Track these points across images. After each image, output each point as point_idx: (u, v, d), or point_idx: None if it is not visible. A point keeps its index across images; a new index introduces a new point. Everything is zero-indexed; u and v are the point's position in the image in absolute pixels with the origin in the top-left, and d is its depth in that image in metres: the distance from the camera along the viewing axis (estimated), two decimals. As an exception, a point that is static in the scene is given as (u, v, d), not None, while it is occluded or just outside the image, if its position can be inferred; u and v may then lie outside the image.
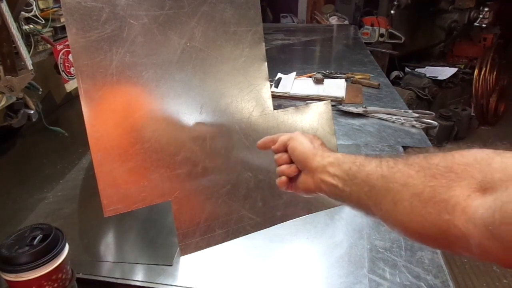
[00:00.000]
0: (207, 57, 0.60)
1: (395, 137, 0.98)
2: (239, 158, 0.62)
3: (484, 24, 3.20)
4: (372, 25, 2.85)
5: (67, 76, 1.10)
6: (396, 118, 1.07)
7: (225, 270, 0.57)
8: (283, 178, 0.51)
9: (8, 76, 0.78)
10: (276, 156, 0.53)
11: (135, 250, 0.62)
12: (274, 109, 0.64)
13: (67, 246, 0.47)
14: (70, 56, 1.07)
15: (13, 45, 0.79)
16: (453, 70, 2.91)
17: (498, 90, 3.01)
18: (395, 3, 2.85)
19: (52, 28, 1.06)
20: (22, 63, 0.81)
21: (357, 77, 1.42)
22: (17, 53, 0.80)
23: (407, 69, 2.99)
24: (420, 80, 2.77)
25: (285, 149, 0.52)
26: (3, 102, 0.81)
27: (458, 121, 2.73)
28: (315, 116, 0.67)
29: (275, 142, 0.53)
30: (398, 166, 0.38)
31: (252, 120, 0.63)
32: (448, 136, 2.73)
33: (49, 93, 1.13)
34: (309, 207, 0.67)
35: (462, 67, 3.09)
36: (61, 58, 1.07)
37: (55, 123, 1.01)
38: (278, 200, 0.65)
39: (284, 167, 0.51)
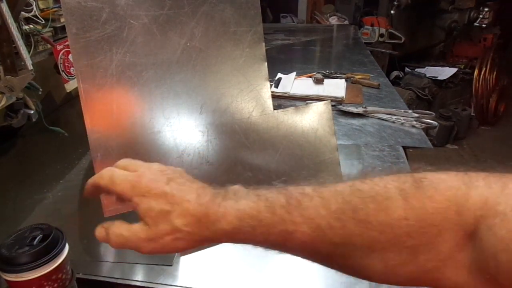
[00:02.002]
0: (207, 57, 0.60)
1: (395, 137, 0.98)
2: (239, 158, 0.62)
3: (484, 24, 3.20)
4: (372, 25, 2.85)
5: (67, 76, 1.10)
6: (396, 118, 1.07)
7: (225, 270, 0.57)
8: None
9: (8, 76, 0.78)
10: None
11: (135, 250, 0.62)
12: (274, 109, 0.64)
13: (67, 246, 0.47)
14: (70, 56, 1.07)
15: (13, 45, 0.79)
16: (453, 70, 2.92)
17: (498, 90, 3.01)
18: (395, 3, 2.86)
19: (52, 28, 1.06)
20: (22, 63, 0.81)
21: (357, 77, 1.42)
22: (17, 53, 0.80)
23: (407, 69, 2.99)
24: (420, 80, 2.77)
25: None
26: (3, 102, 0.81)
27: (458, 121, 2.73)
28: (315, 116, 0.67)
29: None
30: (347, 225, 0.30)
31: (252, 120, 0.63)
32: (448, 136, 2.73)
33: (49, 93, 1.13)
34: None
35: (462, 67, 3.10)
36: (61, 58, 1.07)
37: (55, 123, 1.01)
38: (278, 200, 0.65)
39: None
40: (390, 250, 0.29)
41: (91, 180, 0.39)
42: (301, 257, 0.34)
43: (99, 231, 0.39)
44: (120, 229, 0.36)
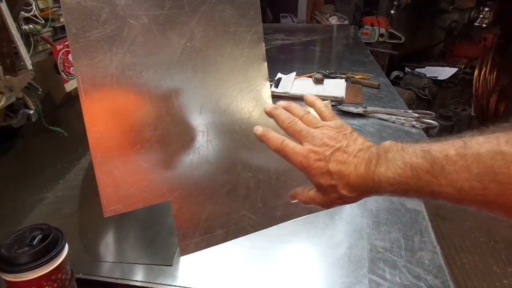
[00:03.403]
0: (207, 57, 0.59)
1: (395, 137, 0.98)
2: (239, 158, 0.62)
3: (484, 24, 3.20)
4: (372, 25, 2.85)
5: (67, 76, 1.10)
6: (396, 118, 1.07)
7: (225, 270, 0.57)
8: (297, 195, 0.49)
9: (7, 76, 0.78)
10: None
11: (135, 250, 0.62)
12: (274, 109, 0.64)
13: (67, 246, 0.47)
14: (69, 56, 1.07)
15: (13, 45, 0.79)
16: (453, 70, 2.91)
17: (498, 90, 3.01)
18: (395, 3, 2.86)
19: (51, 28, 1.06)
20: (22, 63, 0.81)
21: (357, 77, 1.42)
22: (17, 53, 0.80)
23: (407, 69, 2.99)
24: (420, 80, 2.77)
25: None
26: (2, 102, 0.81)
27: (458, 121, 2.74)
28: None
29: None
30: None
31: (252, 120, 0.63)
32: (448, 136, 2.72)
33: (49, 93, 1.13)
34: (309, 207, 0.67)
35: (462, 67, 3.10)
36: (60, 58, 1.07)
37: (55, 123, 1.01)
38: (278, 200, 0.65)
39: (305, 197, 0.48)
40: None
41: (267, 135, 0.48)
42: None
43: (291, 195, 0.51)
44: (304, 196, 0.48)
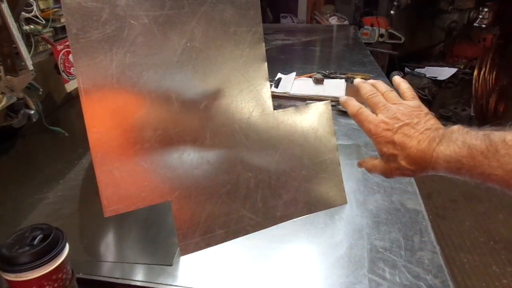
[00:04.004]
0: (207, 57, 0.60)
1: (395, 137, 0.98)
2: (239, 158, 0.62)
3: (484, 24, 3.21)
4: (372, 25, 2.85)
5: (67, 76, 1.10)
6: (396, 118, 1.07)
7: (225, 270, 0.57)
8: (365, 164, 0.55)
9: (8, 76, 0.78)
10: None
11: (135, 250, 0.62)
12: (274, 109, 0.64)
13: (67, 246, 0.47)
14: (70, 56, 1.07)
15: (14, 46, 0.79)
16: (453, 70, 2.92)
17: (498, 90, 3.01)
18: (395, 3, 2.86)
19: (52, 29, 1.06)
20: (23, 63, 0.81)
21: (357, 77, 1.42)
22: (18, 54, 0.80)
23: (407, 69, 3.00)
24: (420, 80, 2.77)
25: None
26: (3, 102, 0.81)
27: (458, 121, 2.74)
28: (315, 116, 0.67)
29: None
30: None
31: (252, 120, 0.63)
32: (448, 136, 2.72)
33: (49, 93, 1.13)
34: (309, 207, 0.67)
35: (462, 67, 3.10)
36: (61, 58, 1.07)
37: (55, 123, 1.01)
38: (278, 200, 0.65)
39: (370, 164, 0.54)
40: None
41: (348, 101, 0.55)
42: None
43: (359, 163, 0.59)
44: (368, 163, 0.56)
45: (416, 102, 0.52)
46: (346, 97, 0.56)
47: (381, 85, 0.56)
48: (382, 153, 0.50)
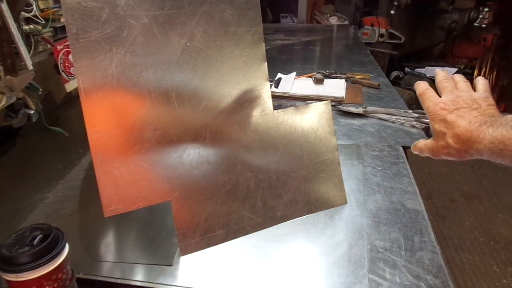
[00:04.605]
0: (207, 57, 0.60)
1: (395, 137, 0.98)
2: (239, 158, 0.62)
3: (484, 24, 3.21)
4: (372, 25, 2.85)
5: (67, 76, 1.10)
6: (396, 118, 1.07)
7: (225, 270, 0.57)
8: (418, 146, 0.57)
9: (8, 76, 0.78)
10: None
11: (135, 250, 0.62)
12: (274, 109, 0.64)
13: (67, 246, 0.47)
14: (70, 56, 1.07)
15: (13, 45, 0.79)
16: (453, 70, 2.92)
17: (498, 90, 3.01)
18: (395, 3, 2.86)
19: (52, 28, 1.06)
20: (22, 63, 0.81)
21: (357, 77, 1.42)
22: (17, 53, 0.80)
23: (407, 69, 3.00)
24: (420, 80, 2.77)
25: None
26: (3, 102, 0.81)
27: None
28: (315, 116, 0.67)
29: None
30: None
31: (252, 120, 0.63)
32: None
33: (49, 93, 1.13)
34: (309, 207, 0.67)
35: (462, 67, 3.10)
36: (61, 58, 1.07)
37: (55, 123, 1.01)
38: (278, 200, 0.65)
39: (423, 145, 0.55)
40: None
41: (421, 83, 0.58)
42: None
43: (411, 148, 0.60)
44: (420, 143, 0.57)
45: (484, 94, 0.53)
46: (421, 81, 0.59)
47: (457, 76, 0.59)
48: (433, 129, 0.52)
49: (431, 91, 0.56)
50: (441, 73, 0.59)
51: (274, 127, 0.64)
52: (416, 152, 0.59)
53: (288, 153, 0.65)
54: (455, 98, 0.52)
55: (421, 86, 0.58)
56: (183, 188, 0.59)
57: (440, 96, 0.55)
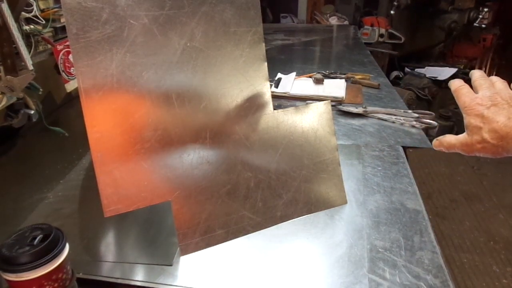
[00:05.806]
0: (207, 57, 0.60)
1: (395, 137, 0.98)
2: (239, 158, 0.62)
3: (484, 24, 3.21)
4: (372, 25, 2.86)
5: (67, 76, 1.10)
6: (396, 118, 1.07)
7: (225, 270, 0.57)
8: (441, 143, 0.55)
9: (8, 76, 0.78)
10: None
11: (135, 250, 0.62)
12: (274, 109, 0.64)
13: (67, 246, 0.47)
14: (70, 56, 1.07)
15: (14, 46, 0.79)
16: (453, 70, 2.92)
17: (498, 90, 3.00)
18: (395, 3, 2.86)
19: (52, 29, 1.06)
20: (23, 63, 0.81)
21: (357, 77, 1.42)
22: (18, 54, 0.80)
23: (407, 69, 3.00)
24: (420, 80, 2.77)
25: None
26: (3, 102, 0.81)
27: (458, 121, 2.73)
28: (315, 116, 0.67)
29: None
30: None
31: (252, 121, 0.63)
32: (448, 136, 2.73)
33: (49, 93, 1.13)
34: (309, 207, 0.67)
35: (461, 67, 3.10)
36: (61, 58, 1.07)
37: (55, 123, 1.01)
38: (278, 200, 0.65)
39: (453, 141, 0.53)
40: None
41: (456, 80, 0.57)
42: None
43: (435, 144, 0.57)
44: (449, 138, 0.54)
45: None
46: (456, 79, 0.57)
47: (495, 77, 0.57)
48: (468, 124, 0.51)
49: (467, 88, 0.54)
50: (477, 72, 0.57)
51: (274, 127, 0.64)
52: (440, 148, 0.56)
53: (288, 153, 0.65)
54: (492, 94, 0.50)
55: (456, 83, 0.56)
56: (183, 188, 0.59)
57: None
